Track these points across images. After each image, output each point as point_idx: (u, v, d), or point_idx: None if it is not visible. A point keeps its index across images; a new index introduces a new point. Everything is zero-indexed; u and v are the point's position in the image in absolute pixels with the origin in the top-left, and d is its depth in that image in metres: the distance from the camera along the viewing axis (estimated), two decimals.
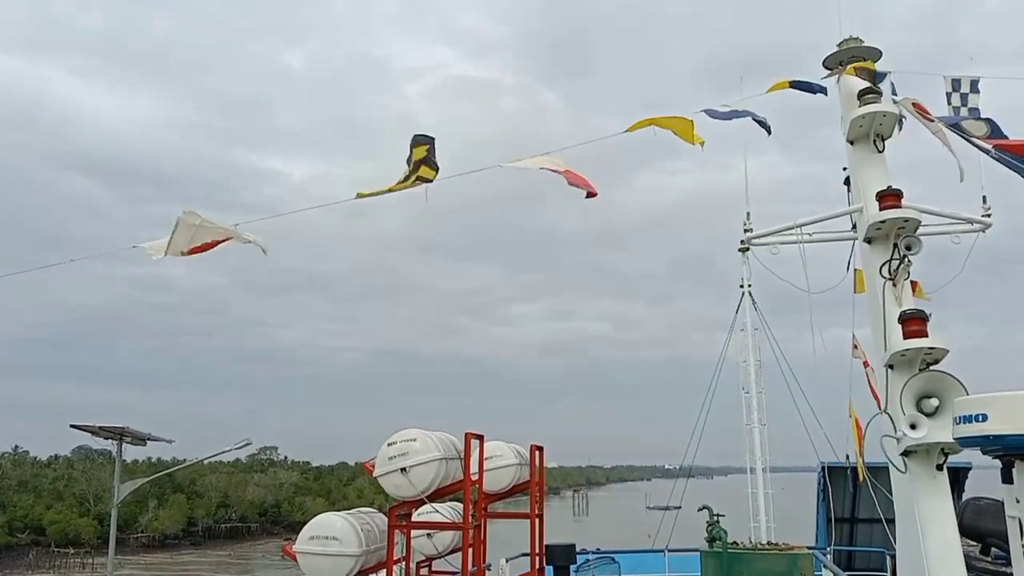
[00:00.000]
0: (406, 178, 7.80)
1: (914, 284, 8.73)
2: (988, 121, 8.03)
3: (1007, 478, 5.41)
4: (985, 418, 5.01)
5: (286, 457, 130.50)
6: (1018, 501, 5.18)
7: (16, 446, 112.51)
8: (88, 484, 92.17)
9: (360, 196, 7.89)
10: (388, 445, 10.30)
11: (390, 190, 7.78)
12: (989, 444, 5.08)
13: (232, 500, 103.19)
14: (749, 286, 20.41)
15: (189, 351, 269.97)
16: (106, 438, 16.27)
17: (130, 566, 76.85)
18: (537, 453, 13.77)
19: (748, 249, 15.49)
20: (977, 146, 6.97)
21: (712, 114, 9.23)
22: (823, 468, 15.70)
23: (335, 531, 10.23)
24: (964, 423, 5.18)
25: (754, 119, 9.51)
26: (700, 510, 11.97)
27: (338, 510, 12.04)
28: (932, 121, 7.42)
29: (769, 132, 9.82)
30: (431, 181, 7.84)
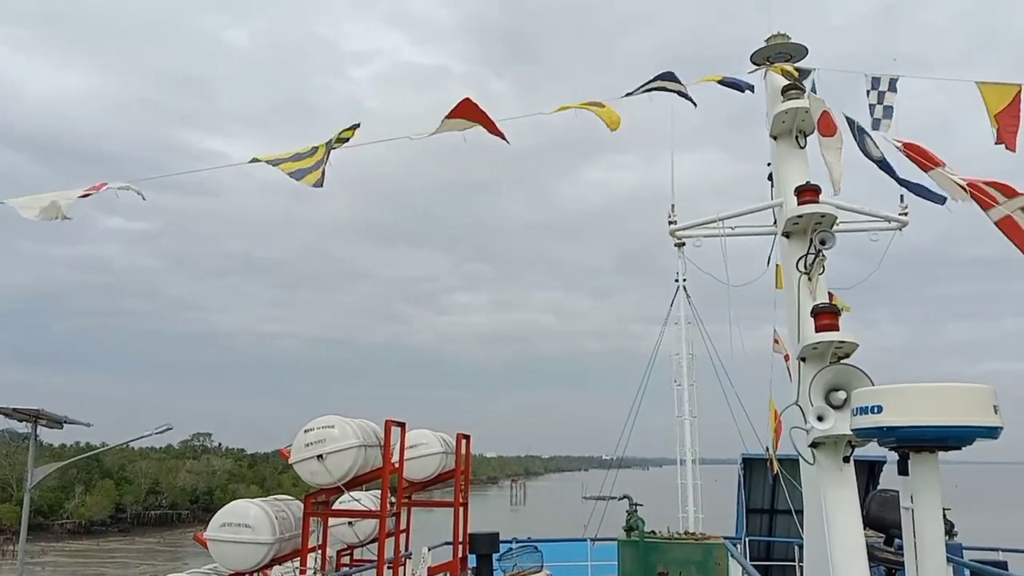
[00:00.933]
0: (313, 151, 7.56)
1: (831, 295, 8.83)
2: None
3: (903, 470, 5.49)
4: (880, 409, 5.04)
5: (220, 444, 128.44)
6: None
7: None
8: (11, 469, 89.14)
9: (255, 160, 7.62)
10: (305, 432, 10.12)
11: (285, 157, 7.52)
12: (883, 435, 5.13)
13: (163, 487, 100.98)
14: (684, 280, 20.67)
15: (122, 334, 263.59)
16: (20, 420, 15.68)
17: (54, 552, 74.65)
18: (463, 442, 13.69)
19: (683, 244, 15.67)
20: (871, 156, 7.04)
21: (631, 93, 9.20)
22: (743, 460, 15.96)
23: (248, 518, 10.03)
24: (860, 414, 5.22)
25: (677, 92, 9.44)
26: (620, 499, 12.04)
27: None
28: (832, 136, 7.48)
29: (695, 103, 9.79)
30: (335, 147, 7.59)
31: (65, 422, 16.53)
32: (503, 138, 8.23)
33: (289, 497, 11.52)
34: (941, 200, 9.03)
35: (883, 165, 6.74)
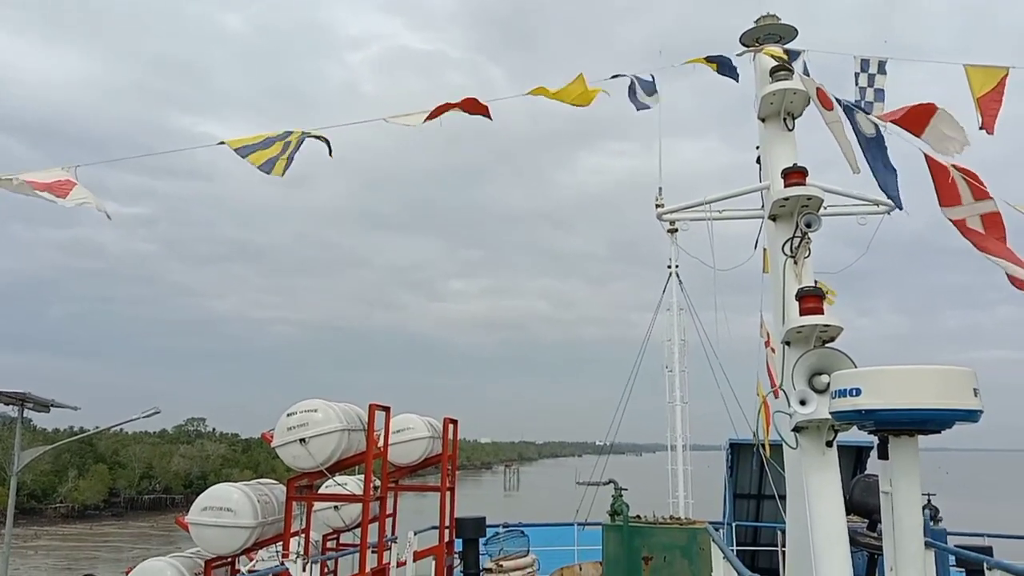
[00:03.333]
0: (286, 135, 7.44)
1: (818, 284, 8.75)
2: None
3: (883, 454, 5.43)
4: (858, 392, 4.97)
5: (214, 429, 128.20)
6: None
7: None
8: (3, 453, 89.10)
9: (222, 143, 7.50)
10: (288, 415, 10.03)
11: (254, 143, 7.39)
12: (862, 419, 5.06)
13: (156, 471, 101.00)
14: (676, 267, 20.65)
15: (117, 319, 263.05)
16: (6, 403, 15.59)
17: (47, 536, 74.65)
18: (451, 426, 13.62)
19: (676, 230, 15.63)
20: (861, 134, 6.92)
21: (615, 76, 9.11)
22: (730, 445, 15.96)
23: (230, 502, 9.96)
24: (839, 397, 5.15)
25: (644, 92, 9.39)
26: (606, 484, 11.99)
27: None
28: (831, 110, 7.38)
29: (659, 100, 9.71)
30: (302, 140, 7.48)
31: (52, 405, 16.44)
32: (487, 115, 8.15)
33: (273, 481, 11.45)
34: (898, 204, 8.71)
35: (875, 143, 6.62)
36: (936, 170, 5.92)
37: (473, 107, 8.07)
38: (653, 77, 9.53)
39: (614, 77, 9.11)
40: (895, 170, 6.87)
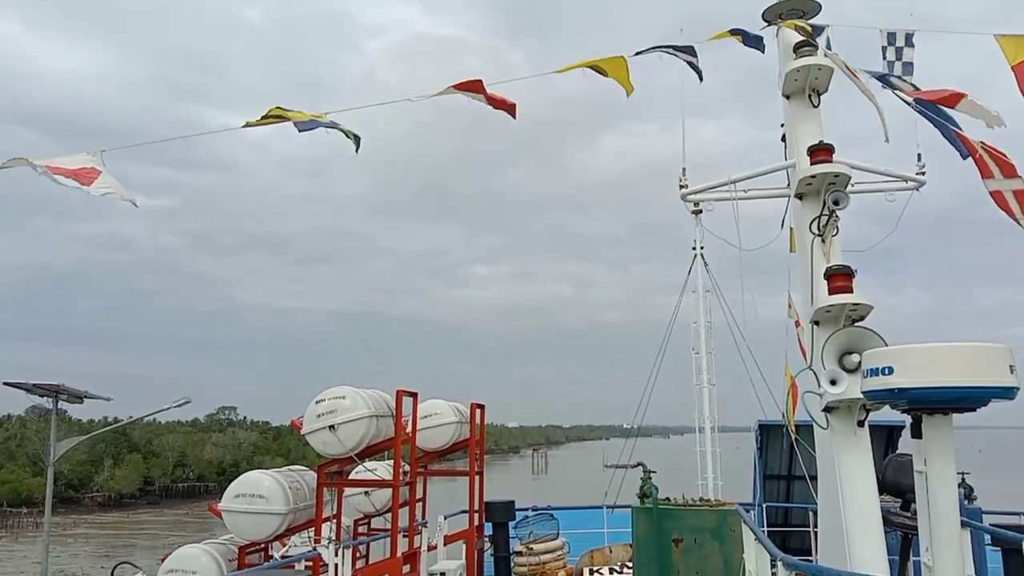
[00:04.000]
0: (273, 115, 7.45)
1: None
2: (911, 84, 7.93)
3: (916, 433, 5.35)
4: (891, 371, 4.89)
5: (245, 417, 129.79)
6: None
7: None
8: (42, 444, 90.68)
9: (269, 120, 7.53)
10: (316, 403, 10.09)
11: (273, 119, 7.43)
12: (895, 398, 4.99)
13: (190, 460, 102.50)
14: (701, 248, 20.49)
15: (145, 311, 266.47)
16: (40, 395, 15.86)
17: (85, 525, 76.14)
18: (478, 411, 13.67)
19: (700, 212, 15.49)
20: (901, 99, 6.82)
21: (640, 52, 9.03)
22: (759, 426, 15.85)
23: (262, 489, 10.05)
24: (872, 376, 5.08)
25: (685, 60, 9.28)
26: (635, 467, 11.96)
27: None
28: (858, 79, 7.27)
29: (701, 77, 9.62)
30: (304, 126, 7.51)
31: (86, 396, 16.69)
32: (512, 114, 8.15)
33: (304, 468, 11.55)
34: (964, 154, 8.78)
35: (920, 105, 6.56)
36: (968, 146, 5.83)
37: (500, 103, 8.06)
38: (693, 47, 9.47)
39: (638, 54, 9.02)
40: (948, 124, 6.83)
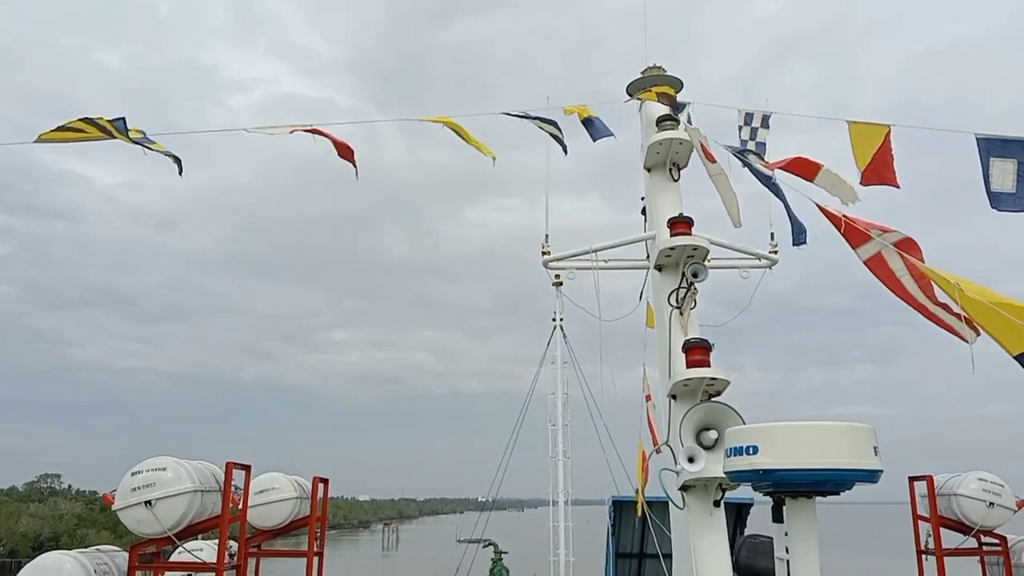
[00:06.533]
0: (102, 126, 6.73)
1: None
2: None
3: (777, 517, 5.10)
4: (756, 450, 4.63)
5: (70, 486, 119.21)
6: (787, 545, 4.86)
7: None
8: None
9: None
10: (132, 474, 8.97)
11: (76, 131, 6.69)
12: (759, 479, 4.71)
13: (1, 532, 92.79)
14: (561, 319, 20.60)
15: None
16: None
17: None
18: (320, 486, 12.72)
19: (561, 283, 15.45)
20: (759, 173, 6.85)
21: (509, 114, 8.91)
22: (613, 502, 15.65)
23: (61, 573, 8.74)
24: (735, 455, 4.80)
25: (550, 133, 9.24)
26: (486, 546, 11.39)
27: (123, 546, 10.50)
28: (714, 163, 7.32)
29: (566, 151, 9.60)
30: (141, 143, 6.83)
31: None
32: (351, 161, 7.86)
33: (115, 548, 10.22)
34: (804, 238, 9.01)
35: (772, 183, 6.56)
36: (831, 219, 5.81)
37: (343, 151, 7.71)
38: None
39: (507, 115, 8.90)
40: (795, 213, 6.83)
